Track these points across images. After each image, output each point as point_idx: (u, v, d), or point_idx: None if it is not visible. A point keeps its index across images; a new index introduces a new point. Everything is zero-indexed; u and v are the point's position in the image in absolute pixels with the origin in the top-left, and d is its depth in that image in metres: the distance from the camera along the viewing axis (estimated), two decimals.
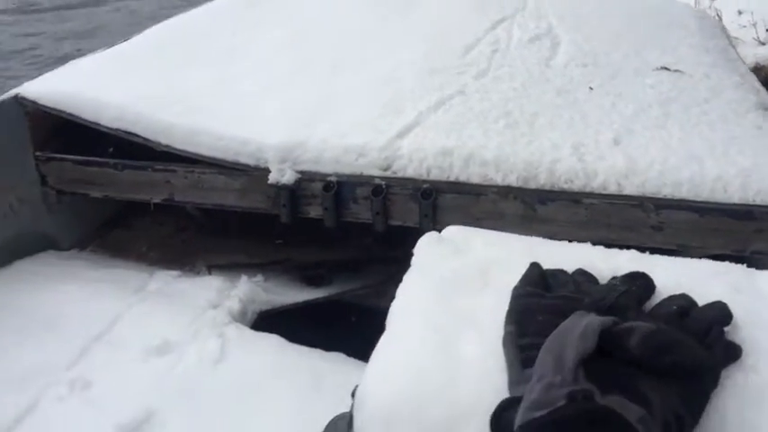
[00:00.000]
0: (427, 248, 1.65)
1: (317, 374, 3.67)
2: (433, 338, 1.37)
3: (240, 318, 4.16)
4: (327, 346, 3.93)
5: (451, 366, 1.31)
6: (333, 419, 1.61)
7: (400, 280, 1.65)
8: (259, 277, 4.60)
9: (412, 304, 1.46)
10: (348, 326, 4.83)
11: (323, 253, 4.88)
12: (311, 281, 4.66)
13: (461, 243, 1.67)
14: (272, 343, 3.84)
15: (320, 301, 4.51)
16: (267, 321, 4.36)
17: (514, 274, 1.46)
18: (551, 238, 1.85)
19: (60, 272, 4.31)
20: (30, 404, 3.35)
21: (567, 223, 3.81)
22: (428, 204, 3.92)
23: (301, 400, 3.51)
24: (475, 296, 1.45)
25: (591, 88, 4.04)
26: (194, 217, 5.18)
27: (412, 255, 1.70)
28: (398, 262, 1.84)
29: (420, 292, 1.52)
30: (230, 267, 4.73)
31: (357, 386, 1.33)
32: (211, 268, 4.74)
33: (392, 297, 1.61)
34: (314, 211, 4.14)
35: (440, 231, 1.80)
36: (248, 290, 4.36)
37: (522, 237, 1.71)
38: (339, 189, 4.00)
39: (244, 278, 4.44)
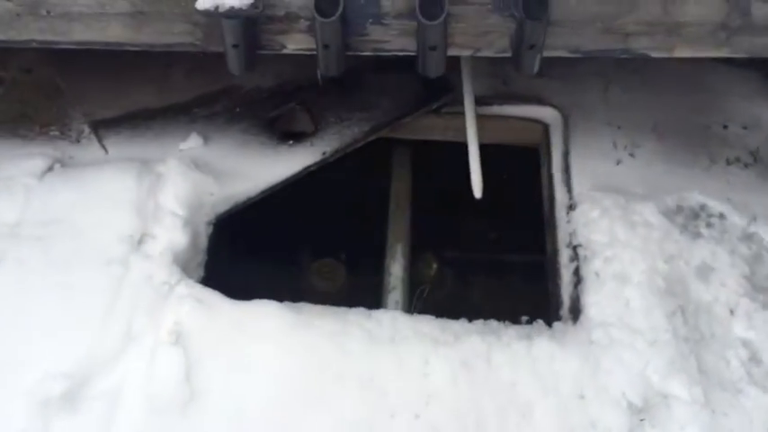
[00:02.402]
0: None
1: (377, 385, 2.02)
2: None
3: (190, 254, 2.31)
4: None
5: None
6: None
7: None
8: (194, 140, 2.61)
9: None
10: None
11: (281, 71, 2.83)
12: (283, 129, 2.70)
13: None
14: (274, 329, 2.09)
15: (311, 169, 2.62)
16: (232, 232, 2.53)
17: None
18: None
19: None
20: None
21: None
22: None
23: None
24: None
25: None
26: None
27: None
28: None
29: None
30: (130, 122, 2.68)
31: None
32: (98, 128, 2.67)
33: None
34: (296, 43, 2.09)
35: None
36: (185, 176, 2.42)
37: None
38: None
39: (172, 162, 2.44)
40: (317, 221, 3.19)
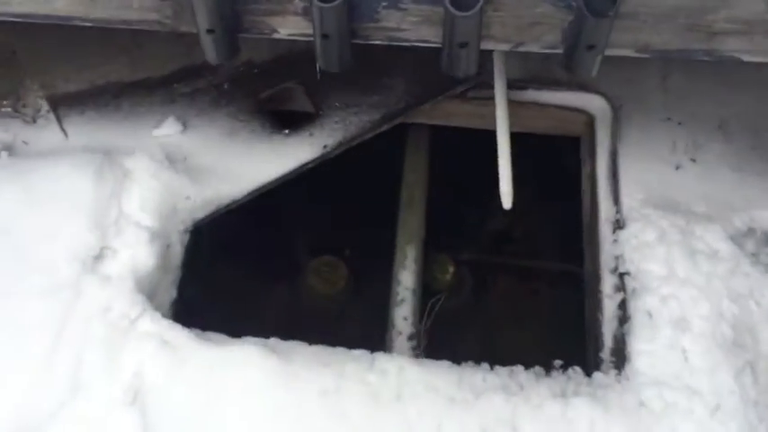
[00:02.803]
0: None
1: None
2: None
3: (158, 275, 1.91)
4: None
5: None
6: None
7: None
8: (171, 126, 2.18)
9: None
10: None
11: (278, 43, 2.36)
12: (278, 110, 2.28)
13: None
14: (255, 385, 1.71)
15: (309, 166, 2.21)
16: (215, 234, 2.14)
17: None
18: None
19: None
20: None
21: None
22: None
23: None
24: None
25: None
26: None
27: None
28: None
29: None
30: (97, 98, 2.25)
31: None
32: (59, 105, 2.24)
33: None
34: (290, 27, 1.64)
35: None
36: (156, 176, 2.02)
37: None
38: None
39: (141, 158, 2.03)
40: (314, 212, 2.79)
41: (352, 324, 2.66)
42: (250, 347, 1.76)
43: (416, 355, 2.31)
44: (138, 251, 1.88)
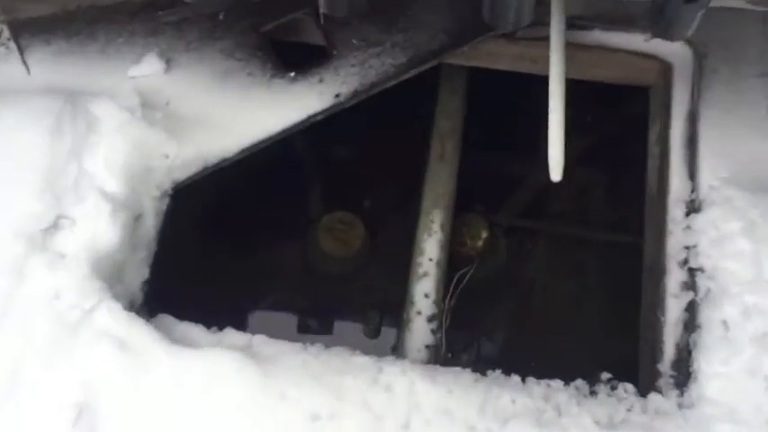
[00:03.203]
0: None
1: None
2: None
3: (124, 254, 1.59)
4: None
5: None
6: None
7: None
8: (151, 63, 1.81)
9: None
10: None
11: None
12: (284, 53, 1.90)
13: None
14: (230, 406, 1.39)
15: (317, 118, 1.82)
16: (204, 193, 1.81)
17: None
18: None
19: None
20: None
21: None
22: None
23: None
24: None
25: None
26: None
27: None
28: None
29: None
30: (67, 26, 1.88)
31: None
32: (21, 32, 1.87)
33: None
34: None
35: None
36: (125, 130, 1.68)
37: None
38: None
39: (108, 106, 1.67)
40: (326, 160, 2.42)
41: (366, 295, 2.33)
42: (227, 357, 1.43)
43: (437, 339, 2.00)
44: (97, 225, 1.55)
